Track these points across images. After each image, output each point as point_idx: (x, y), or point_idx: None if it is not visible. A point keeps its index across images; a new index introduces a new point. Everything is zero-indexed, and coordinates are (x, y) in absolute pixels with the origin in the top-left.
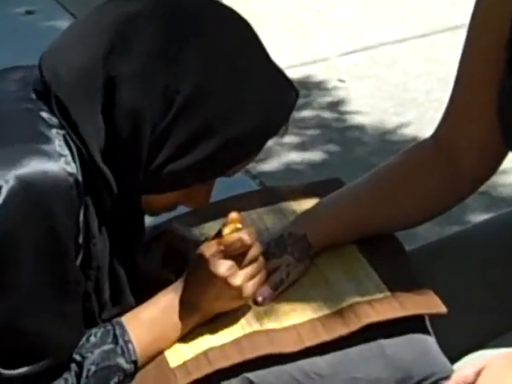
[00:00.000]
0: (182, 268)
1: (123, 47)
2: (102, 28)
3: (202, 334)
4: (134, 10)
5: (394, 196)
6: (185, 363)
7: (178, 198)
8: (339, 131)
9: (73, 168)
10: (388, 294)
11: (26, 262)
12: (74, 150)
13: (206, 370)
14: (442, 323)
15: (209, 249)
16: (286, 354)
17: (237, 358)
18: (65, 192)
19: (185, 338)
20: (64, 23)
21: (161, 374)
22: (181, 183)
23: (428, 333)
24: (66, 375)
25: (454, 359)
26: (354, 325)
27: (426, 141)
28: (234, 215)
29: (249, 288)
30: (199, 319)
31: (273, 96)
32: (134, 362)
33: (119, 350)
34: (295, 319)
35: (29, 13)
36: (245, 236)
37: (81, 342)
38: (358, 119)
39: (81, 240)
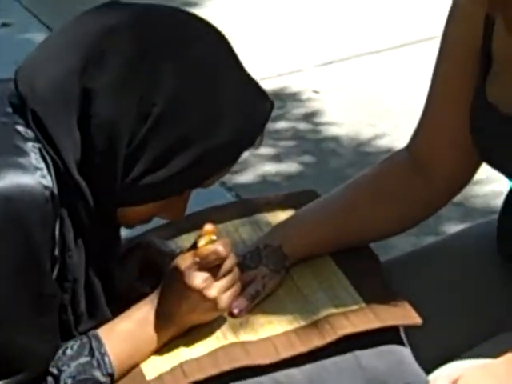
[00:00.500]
0: (158, 280)
1: (99, 60)
2: (77, 41)
3: (177, 347)
4: (110, 23)
5: (368, 208)
6: (161, 376)
7: (154, 210)
8: (314, 142)
9: (48, 181)
10: (363, 305)
11: (0, 275)
12: (50, 163)
13: (182, 382)
14: (416, 334)
15: (184, 261)
16: (261, 365)
17: (213, 371)
18: (40, 205)
19: (160, 350)
20: (40, 36)
21: None
22: (157, 195)
23: (403, 344)
24: None
25: (428, 370)
26: (330, 336)
27: (399, 152)
28: (208, 227)
29: (224, 300)
30: (175, 332)
31: (247, 107)
32: (111, 375)
33: (95, 363)
34: (271, 331)
35: (4, 25)
36: (220, 248)
37: (57, 355)
38: (332, 130)
39: (56, 253)
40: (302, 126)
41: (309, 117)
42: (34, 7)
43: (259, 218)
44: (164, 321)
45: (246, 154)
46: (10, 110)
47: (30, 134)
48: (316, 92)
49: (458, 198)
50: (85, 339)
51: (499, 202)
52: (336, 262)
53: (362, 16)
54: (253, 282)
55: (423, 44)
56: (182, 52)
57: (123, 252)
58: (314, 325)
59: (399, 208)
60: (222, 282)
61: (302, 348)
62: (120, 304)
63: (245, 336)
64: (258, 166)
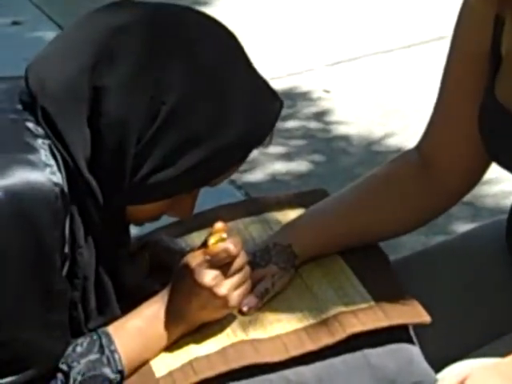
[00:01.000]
0: (168, 278)
1: (109, 58)
2: (88, 39)
3: (187, 344)
4: (121, 21)
5: (377, 207)
6: (170, 373)
7: (163, 208)
8: (324, 141)
9: (58, 178)
10: (372, 303)
11: (11, 273)
12: (60, 160)
13: (192, 379)
14: (426, 333)
15: (194, 259)
16: (271, 363)
17: (222, 368)
18: (50, 202)
19: (170, 347)
20: (50, 34)
21: None
22: (165, 193)
23: (412, 342)
24: None
25: (437, 369)
26: (339, 334)
27: (409, 152)
28: (219, 225)
29: (234, 298)
30: (185, 329)
31: (257, 106)
32: (120, 372)
33: (105, 360)
34: (280, 329)
35: (15, 23)
36: (230, 246)
37: (67, 352)
38: (343, 129)
39: (67, 250)
40: (313, 125)
41: (319, 116)
42: (44, 5)
43: (269, 216)
44: (174, 318)
45: (255, 153)
46: (20, 107)
47: (40, 131)
48: (326, 91)
49: (467, 198)
50: (95, 336)
51: (509, 201)
52: (345, 260)
53: (372, 16)
54: (262, 280)
55: (433, 44)
56: (192, 51)
57: (133, 250)
58: (324, 323)
59: (408, 207)
60: (233, 280)
61: (311, 346)
62: (130, 301)
63: (254, 334)
64: (268, 164)
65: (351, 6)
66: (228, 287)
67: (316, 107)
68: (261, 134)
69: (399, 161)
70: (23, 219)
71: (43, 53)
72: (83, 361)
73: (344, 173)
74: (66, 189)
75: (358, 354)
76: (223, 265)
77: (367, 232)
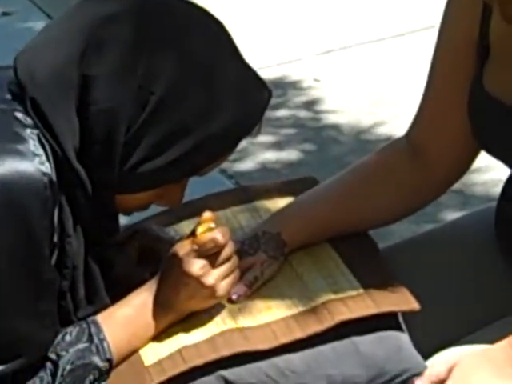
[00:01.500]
0: (157, 267)
1: (98, 48)
2: (76, 29)
3: (176, 332)
4: (109, 11)
5: (366, 195)
6: (160, 361)
7: (152, 197)
8: (314, 130)
9: (47, 168)
10: (361, 291)
11: (0, 262)
12: (49, 149)
13: (181, 367)
14: (415, 320)
15: (182, 248)
16: (260, 351)
17: (211, 356)
18: (39, 192)
19: (159, 336)
20: (40, 25)
21: (135, 373)
22: (155, 183)
23: (401, 329)
24: (41, 374)
25: (426, 356)
26: (328, 322)
27: (399, 140)
28: (207, 214)
29: (222, 287)
30: (173, 318)
31: (246, 96)
32: (109, 361)
33: (94, 349)
34: (269, 317)
35: (5, 14)
36: (218, 236)
37: (56, 341)
38: (333, 118)
39: (55, 239)
40: (303, 114)
41: (309, 105)
42: None
43: (258, 204)
44: (162, 307)
45: (245, 142)
46: (9, 97)
47: (29, 121)
48: (316, 80)
49: (457, 186)
50: (84, 325)
51: (498, 189)
52: (335, 248)
53: (362, 4)
54: (251, 268)
55: (423, 32)
56: (181, 41)
57: (122, 239)
58: (313, 311)
59: (398, 195)
60: (220, 270)
61: (300, 334)
62: (119, 290)
63: (243, 322)
64: (259, 153)
65: None
66: (216, 277)
67: (306, 96)
68: (249, 123)
69: (389, 149)
70: (12, 209)
71: (32, 43)
72: (72, 350)
73: (334, 161)
74: (54, 178)
75: (346, 342)
76: (211, 254)
77: (356, 220)
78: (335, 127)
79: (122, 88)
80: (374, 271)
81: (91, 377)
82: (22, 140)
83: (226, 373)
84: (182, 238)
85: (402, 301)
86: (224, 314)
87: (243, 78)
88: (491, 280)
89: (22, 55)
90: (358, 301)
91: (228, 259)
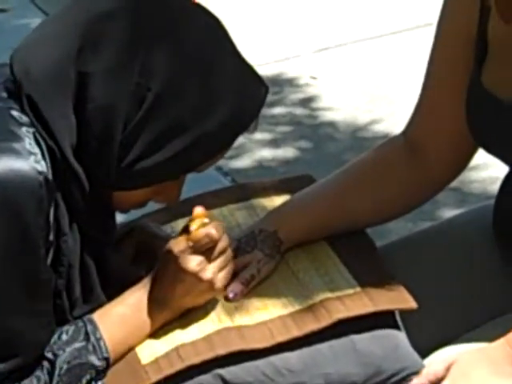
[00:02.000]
0: (153, 264)
1: (94, 45)
2: (73, 25)
3: (172, 331)
4: (105, 7)
5: (363, 193)
6: (156, 360)
7: (149, 195)
8: (311, 128)
9: (43, 166)
10: (358, 289)
11: None
12: (45, 147)
13: (178, 366)
14: (412, 318)
15: (177, 245)
16: (257, 349)
17: (208, 355)
18: (34, 190)
19: (156, 334)
20: (37, 21)
21: (132, 371)
22: (152, 180)
23: (398, 328)
24: (38, 373)
25: (424, 354)
26: (325, 320)
27: (396, 138)
28: (199, 210)
29: (219, 280)
30: (169, 315)
31: (243, 92)
32: (106, 359)
33: (91, 348)
34: (266, 315)
35: (1, 11)
36: (212, 231)
37: (52, 340)
38: (329, 116)
39: (51, 237)
40: (299, 111)
41: (306, 102)
42: None
43: (255, 202)
44: (158, 305)
45: (242, 140)
46: (4, 94)
47: (25, 119)
48: (313, 78)
49: (454, 184)
50: (80, 324)
51: (496, 187)
52: (332, 246)
53: (359, 2)
54: (248, 266)
55: (420, 30)
56: (177, 37)
57: (118, 237)
58: (310, 309)
59: (395, 193)
60: (216, 263)
61: (297, 332)
62: (115, 288)
63: (240, 320)
64: (255, 151)
65: None
66: (213, 270)
67: (303, 93)
68: (246, 119)
69: (386, 147)
70: (7, 207)
71: (28, 40)
72: (69, 349)
73: (331, 159)
74: (50, 177)
75: (343, 340)
76: (206, 249)
77: (353, 218)
78: (332, 124)
79: (118, 84)
80: (371, 269)
81: (88, 376)
82: (18, 138)
83: (223, 371)
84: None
85: (399, 299)
86: (220, 312)
87: (240, 74)
88: (489, 277)
89: (17, 52)
90: (356, 299)
91: (223, 252)
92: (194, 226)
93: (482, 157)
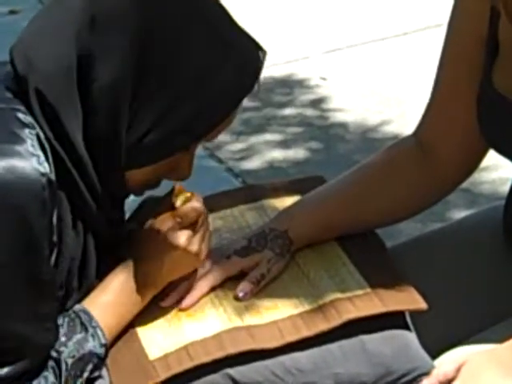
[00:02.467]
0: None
1: (94, 25)
2: (70, 10)
3: (182, 327)
4: None
5: (374, 194)
6: (165, 356)
7: (161, 171)
8: (321, 129)
9: (45, 168)
10: (369, 290)
11: None
12: (48, 148)
13: (187, 364)
14: (422, 319)
15: (164, 223)
16: (267, 349)
17: (218, 354)
18: (37, 193)
19: (164, 330)
20: None
21: (140, 367)
22: (162, 154)
23: (408, 329)
24: (45, 373)
25: (434, 355)
26: (335, 321)
27: (406, 138)
28: (178, 185)
29: (203, 251)
30: (154, 292)
31: (241, 56)
32: (105, 345)
33: (90, 337)
34: (276, 315)
35: (12, 12)
36: (197, 204)
37: None
38: (340, 117)
39: (55, 238)
40: (310, 112)
41: (316, 103)
42: None
43: (265, 203)
44: (144, 284)
45: (253, 141)
46: (9, 95)
47: (29, 119)
48: (323, 79)
49: (465, 185)
50: (72, 315)
51: (506, 188)
52: (342, 247)
53: (369, 3)
54: (258, 265)
55: (430, 31)
56: (175, 9)
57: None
58: (320, 309)
59: (405, 194)
60: (199, 235)
61: (307, 332)
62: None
63: (250, 319)
64: (266, 152)
65: None
66: (198, 242)
67: (313, 94)
68: (248, 83)
69: (396, 148)
70: (10, 210)
71: (24, 34)
72: (70, 343)
73: (341, 160)
74: (53, 178)
75: (354, 340)
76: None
77: (364, 219)
78: (342, 125)
79: (120, 62)
80: (381, 270)
81: (91, 365)
82: (20, 140)
83: (233, 371)
84: (159, 213)
85: (409, 300)
86: (230, 310)
87: (237, 40)
88: (499, 278)
89: (16, 45)
90: (366, 300)
91: (203, 223)
92: (179, 202)
93: (492, 158)
